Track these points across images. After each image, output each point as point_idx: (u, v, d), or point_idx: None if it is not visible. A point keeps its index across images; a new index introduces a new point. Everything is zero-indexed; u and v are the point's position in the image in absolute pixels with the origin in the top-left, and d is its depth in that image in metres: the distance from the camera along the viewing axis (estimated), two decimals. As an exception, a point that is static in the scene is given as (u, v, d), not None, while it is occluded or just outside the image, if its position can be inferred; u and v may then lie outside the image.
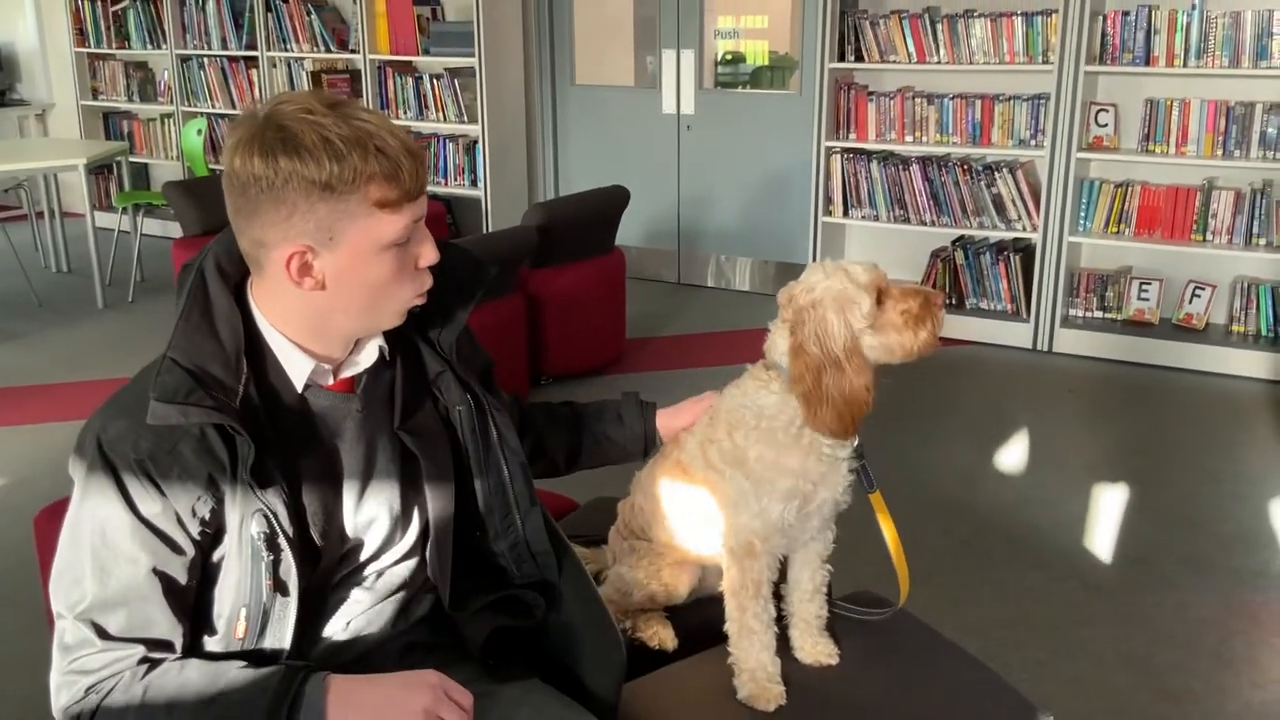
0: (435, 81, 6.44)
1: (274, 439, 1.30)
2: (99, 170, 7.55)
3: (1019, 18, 4.96)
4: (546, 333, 4.49)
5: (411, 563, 1.47)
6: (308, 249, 1.25)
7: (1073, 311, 5.18)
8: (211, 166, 6.45)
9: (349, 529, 1.39)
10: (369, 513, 1.40)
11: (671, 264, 6.48)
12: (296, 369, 1.34)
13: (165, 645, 1.27)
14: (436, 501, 1.44)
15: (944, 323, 1.60)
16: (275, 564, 1.27)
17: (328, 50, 6.73)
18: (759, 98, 6.16)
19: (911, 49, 5.24)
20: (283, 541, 1.27)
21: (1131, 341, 4.97)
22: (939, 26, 5.15)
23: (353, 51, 6.64)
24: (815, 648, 1.77)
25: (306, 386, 1.35)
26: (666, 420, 1.80)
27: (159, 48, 7.43)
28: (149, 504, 1.24)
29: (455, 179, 6.55)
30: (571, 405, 1.85)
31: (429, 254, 1.33)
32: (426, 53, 6.40)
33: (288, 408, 1.34)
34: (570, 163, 6.69)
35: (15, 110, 8.21)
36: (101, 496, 1.23)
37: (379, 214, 1.25)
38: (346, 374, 1.39)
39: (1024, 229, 5.15)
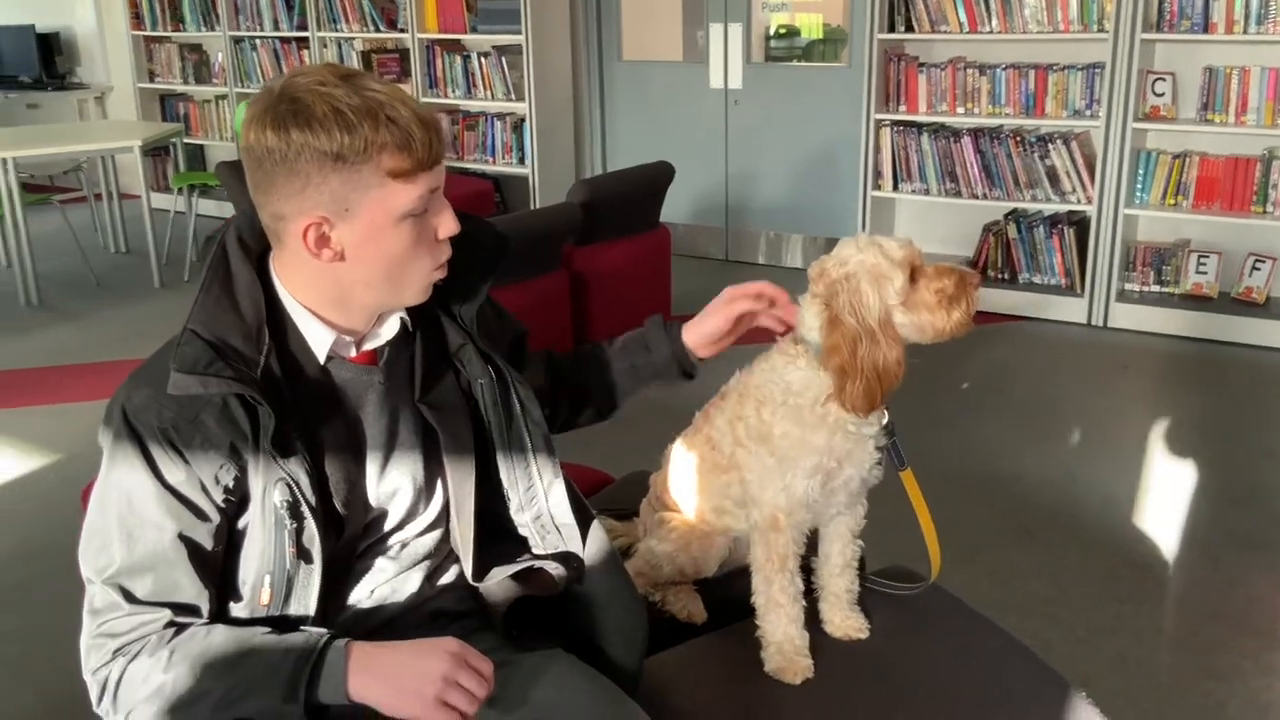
0: (483, 59, 6.45)
1: (295, 409, 1.31)
2: (155, 152, 7.66)
3: (1073, -15, 4.85)
4: (590, 309, 4.50)
5: (436, 533, 1.48)
6: (324, 220, 1.26)
7: (1128, 286, 5.08)
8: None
9: (372, 499, 1.40)
10: (392, 483, 1.41)
11: (719, 240, 6.45)
12: (318, 340, 1.35)
13: (191, 610, 1.29)
14: (456, 474, 1.45)
15: (978, 303, 1.57)
16: (298, 532, 1.29)
17: (377, 30, 6.77)
18: (807, 71, 6.09)
19: (963, 18, 5.15)
20: (305, 510, 1.28)
21: (1189, 316, 4.86)
22: (991, -5, 5.05)
23: (401, 31, 6.67)
24: (845, 621, 1.77)
25: (329, 358, 1.36)
26: (694, 332, 1.68)
27: (213, 30, 7.52)
28: (173, 471, 1.26)
29: (503, 157, 6.56)
30: (596, 345, 1.78)
31: (448, 224, 1.33)
32: (474, 31, 6.41)
33: (310, 379, 1.35)
34: (618, 139, 6.67)
35: (75, 93, 8.36)
36: (127, 465, 1.26)
37: (392, 184, 1.25)
38: (369, 346, 1.39)
39: (1079, 201, 5.05)
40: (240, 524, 1.30)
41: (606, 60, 6.57)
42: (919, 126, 5.37)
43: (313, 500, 1.29)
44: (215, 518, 1.29)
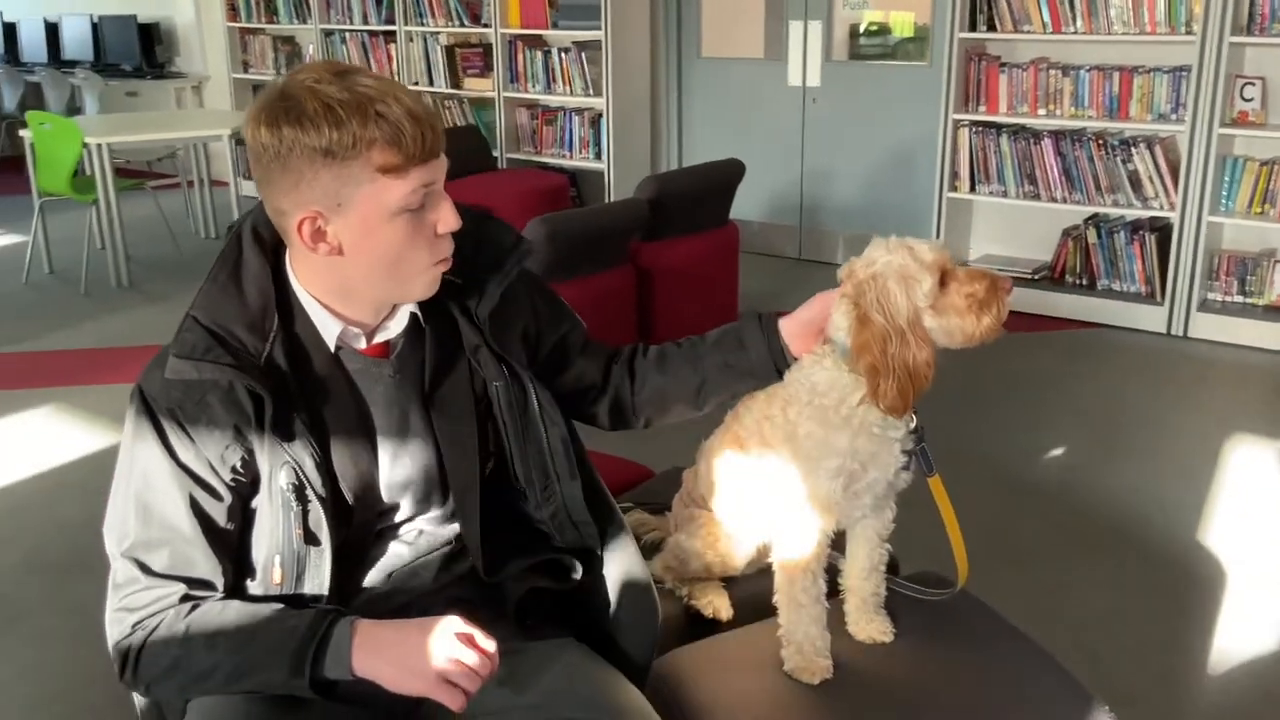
0: (563, 55, 6.51)
1: (302, 396, 1.34)
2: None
3: (1161, -15, 4.73)
4: (656, 305, 4.52)
5: (455, 525, 1.51)
6: (318, 214, 1.28)
7: (1211, 295, 4.94)
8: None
9: (384, 488, 1.43)
10: (403, 474, 1.44)
11: (792, 239, 6.42)
12: (327, 330, 1.38)
13: (206, 585, 1.34)
14: (458, 473, 1.46)
15: (1009, 309, 1.55)
16: (304, 515, 1.33)
17: (461, 24, 6.87)
18: (887, 69, 6.03)
19: (1047, 18, 5.05)
20: (310, 494, 1.32)
21: (1273, 328, 4.71)
22: (1076, -5, 4.95)
23: (485, 26, 6.76)
24: (869, 625, 1.76)
25: (339, 348, 1.39)
26: (795, 320, 1.61)
27: (304, 22, 7.71)
28: (184, 450, 1.31)
29: (580, 152, 6.62)
30: (688, 340, 1.72)
31: (447, 219, 1.34)
32: (555, 26, 6.47)
33: (319, 368, 1.38)
34: (694, 136, 6.68)
35: (173, 82, 8.63)
36: (144, 443, 1.31)
37: (383, 179, 1.26)
38: (379, 339, 1.42)
39: (1161, 207, 4.92)
40: (254, 504, 1.35)
41: (685, 56, 6.57)
42: (998, 127, 5.28)
43: (318, 485, 1.33)
44: (227, 496, 1.33)
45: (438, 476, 1.47)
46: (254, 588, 1.37)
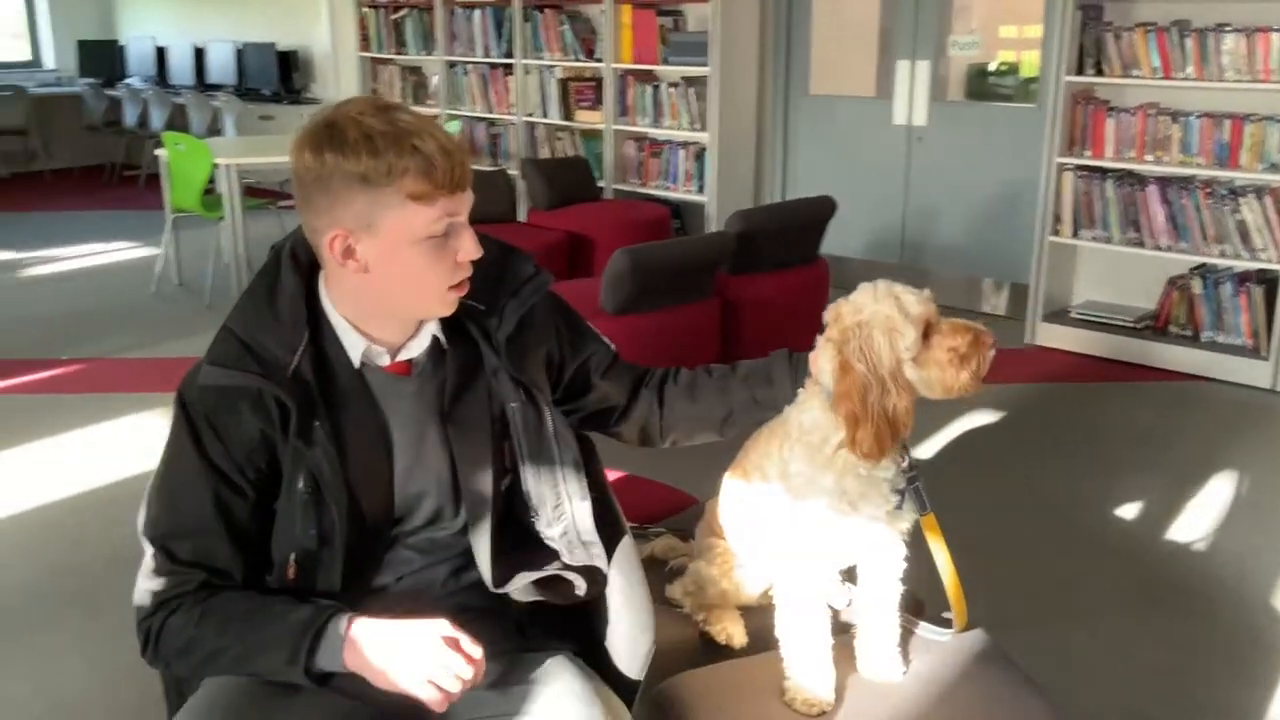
0: (672, 89, 6.64)
1: (325, 407, 1.45)
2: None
3: (1276, 33, 4.59)
4: (741, 338, 4.56)
5: (467, 537, 1.59)
6: (349, 233, 1.39)
7: (1322, 352, 4.75)
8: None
9: (398, 497, 1.53)
10: (417, 486, 1.54)
11: (891, 277, 6.35)
12: (352, 347, 1.49)
13: (225, 575, 1.45)
14: (471, 487, 1.55)
15: (989, 364, 1.57)
16: (319, 517, 1.43)
17: (576, 59, 7.06)
18: (994, 110, 5.98)
19: (1157, 63, 4.95)
20: (327, 498, 1.43)
21: (1387, 389, 4.51)
22: (1188, 40, 4.84)
23: (598, 60, 6.94)
24: (878, 663, 1.78)
25: (363, 364, 1.50)
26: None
27: (430, 54, 8.02)
28: (215, 449, 1.43)
29: (684, 184, 6.72)
30: (719, 370, 1.80)
31: (469, 249, 1.45)
32: (666, 62, 6.61)
33: (343, 381, 1.49)
34: (798, 171, 6.72)
35: (307, 108, 9.05)
36: (179, 441, 1.44)
37: (412, 205, 1.38)
38: (403, 357, 1.53)
39: (1270, 259, 4.76)
40: (275, 505, 1.46)
41: (793, 93, 6.63)
42: (1104, 172, 5.18)
43: (334, 490, 1.43)
44: (251, 495, 1.45)
45: (451, 490, 1.56)
46: (270, 581, 1.48)
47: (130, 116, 9.63)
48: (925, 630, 1.87)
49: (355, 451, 1.48)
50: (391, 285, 1.44)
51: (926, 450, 4.14)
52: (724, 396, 1.76)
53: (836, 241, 6.38)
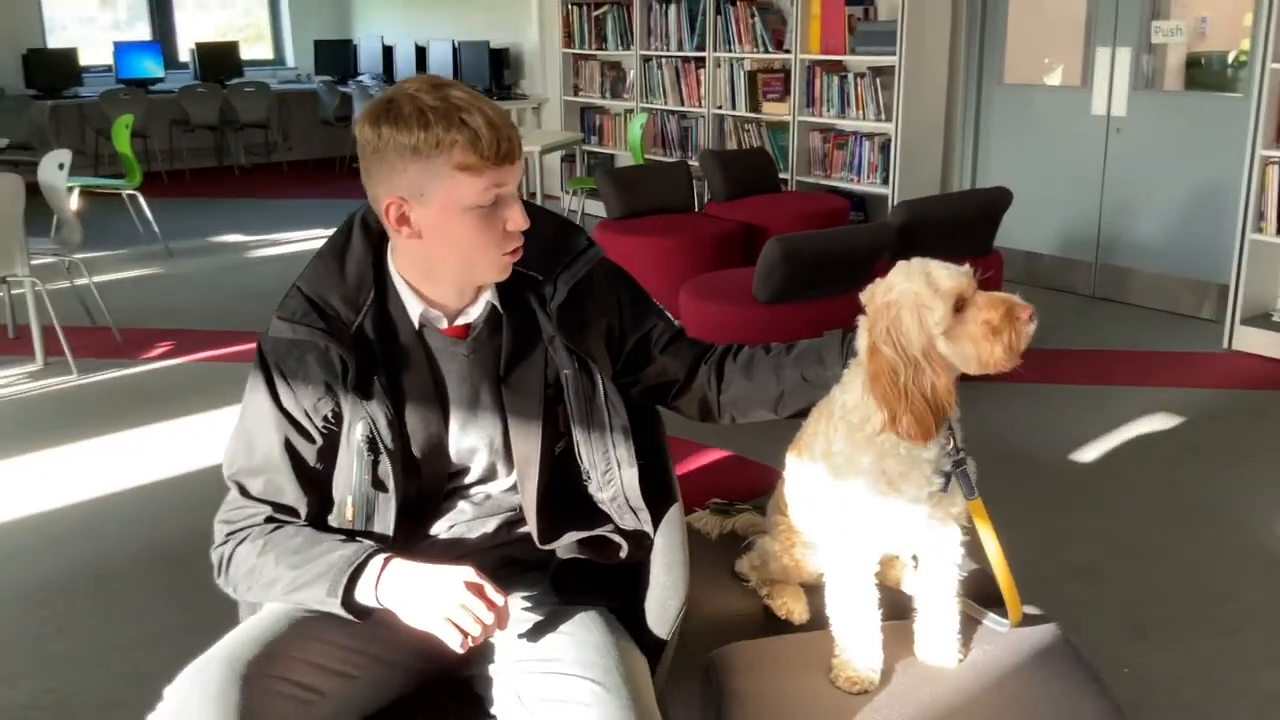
0: (859, 80, 6.57)
1: (383, 363, 1.58)
2: (572, 158, 8.57)
3: None
4: (901, 331, 4.49)
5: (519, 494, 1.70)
6: (403, 200, 1.50)
7: None
8: (647, 157, 7.06)
9: (453, 452, 1.64)
10: (470, 442, 1.64)
11: (1087, 276, 6.11)
12: (413, 309, 1.61)
13: (291, 511, 1.60)
14: (522, 447, 1.64)
15: (1028, 338, 1.54)
16: (374, 464, 1.56)
17: (766, 51, 7.09)
18: (1198, 100, 5.63)
19: (1382, 46, 4.55)
20: (381, 446, 1.55)
21: None
22: None
23: (786, 52, 6.94)
24: (931, 648, 1.77)
25: (422, 326, 1.61)
26: None
27: (628, 49, 8.22)
28: (286, 396, 1.57)
29: (868, 176, 6.64)
30: (776, 349, 1.84)
31: (516, 219, 1.54)
32: (853, 52, 6.54)
33: (402, 341, 1.61)
34: (989, 163, 6.52)
35: (516, 103, 9.44)
36: (256, 388, 1.59)
37: (459, 175, 1.47)
38: (460, 322, 1.63)
39: None
40: (339, 450, 1.60)
41: (986, 83, 6.44)
42: (1316, 165, 4.81)
43: (388, 440, 1.55)
44: (318, 440, 1.58)
45: (504, 449, 1.66)
46: (332, 521, 1.62)
47: (359, 111, 10.28)
48: (990, 620, 1.84)
49: (411, 406, 1.60)
50: (444, 251, 1.54)
51: (1093, 451, 3.99)
52: (778, 375, 1.79)
53: (1029, 237, 6.19)
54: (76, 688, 2.68)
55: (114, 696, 2.63)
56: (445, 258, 1.56)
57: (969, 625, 1.82)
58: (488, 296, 1.64)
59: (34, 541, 3.45)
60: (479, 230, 1.52)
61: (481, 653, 1.59)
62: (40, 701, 2.63)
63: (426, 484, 1.64)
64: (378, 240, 1.64)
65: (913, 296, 1.55)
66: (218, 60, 10.92)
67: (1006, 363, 1.53)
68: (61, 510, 3.67)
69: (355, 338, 1.57)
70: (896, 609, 1.82)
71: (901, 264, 1.61)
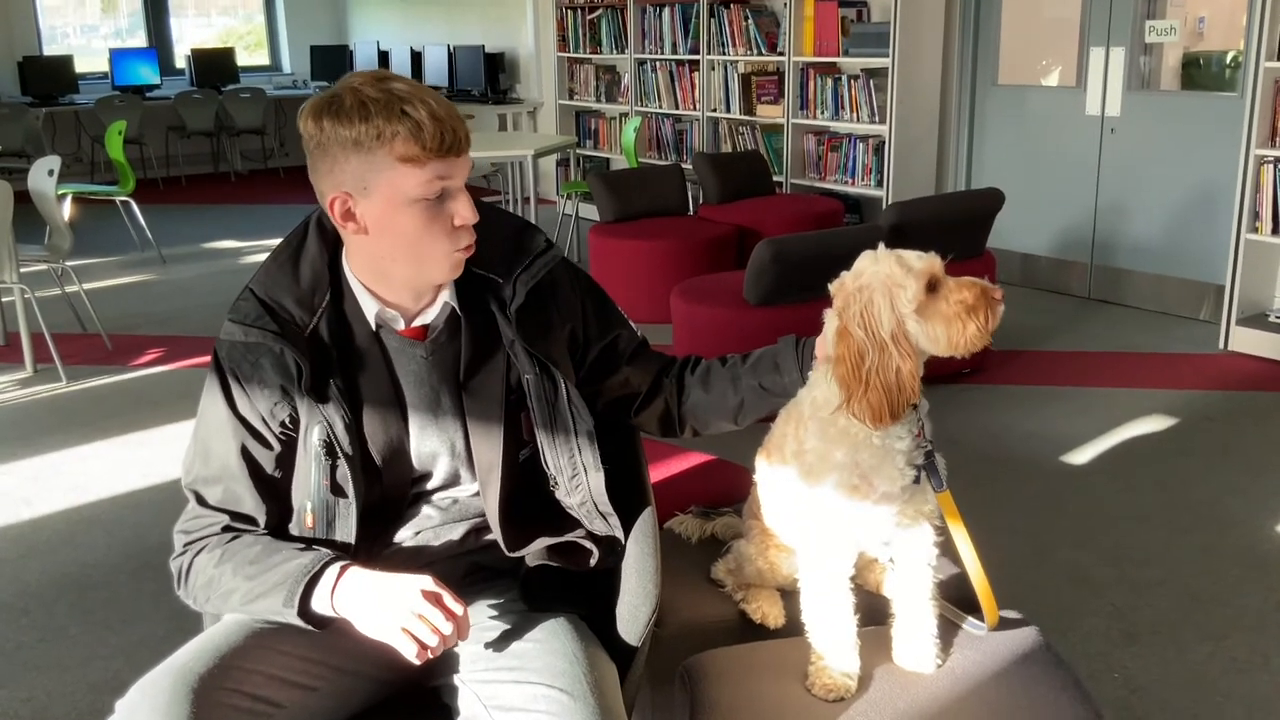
0: (852, 82, 6.54)
1: (339, 366, 1.54)
2: (567, 162, 8.54)
3: None
4: (893, 333, 4.46)
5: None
6: (347, 195, 1.47)
7: None
8: (641, 160, 7.04)
9: (414, 457, 1.61)
10: (431, 447, 1.61)
11: (1082, 277, 6.08)
12: (368, 310, 1.57)
13: (249, 520, 1.57)
14: (483, 453, 1.61)
15: (999, 319, 1.52)
16: (333, 469, 1.52)
17: (759, 53, 7.06)
18: (1193, 99, 5.60)
19: (1376, 44, 4.52)
20: (339, 451, 1.52)
21: None
22: None
23: (780, 54, 6.92)
24: (908, 653, 1.74)
25: (379, 327, 1.58)
26: (826, 344, 1.63)
27: (622, 53, 8.20)
28: (242, 401, 1.54)
29: (862, 179, 6.61)
30: (732, 359, 1.82)
31: (464, 213, 1.50)
32: (846, 54, 6.52)
33: (359, 343, 1.58)
34: (984, 164, 6.49)
35: (511, 107, 9.42)
36: (211, 394, 1.56)
37: (401, 168, 1.44)
38: (418, 323, 1.60)
39: None
40: (297, 456, 1.57)
41: (980, 83, 6.41)
42: (1311, 164, 4.78)
43: (346, 444, 1.52)
44: (276, 446, 1.55)
45: (465, 454, 1.63)
46: (292, 528, 1.59)
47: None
48: (969, 624, 1.81)
49: (369, 409, 1.57)
50: (392, 247, 1.51)
51: (1087, 454, 3.96)
52: (735, 385, 1.76)
53: (1024, 239, 6.17)
54: (56, 696, 2.65)
55: (93, 705, 2.60)
56: (394, 255, 1.52)
57: (948, 629, 1.79)
58: (446, 298, 1.61)
59: (15, 549, 3.42)
60: (425, 224, 1.49)
61: (447, 662, 1.56)
62: (18, 711, 2.60)
63: (389, 489, 1.61)
64: (334, 241, 1.61)
65: (884, 278, 1.53)
66: (213, 66, 10.92)
67: (978, 342, 1.51)
68: (45, 518, 3.64)
69: (310, 340, 1.54)
70: (875, 614, 1.79)
71: (868, 253, 1.59)
